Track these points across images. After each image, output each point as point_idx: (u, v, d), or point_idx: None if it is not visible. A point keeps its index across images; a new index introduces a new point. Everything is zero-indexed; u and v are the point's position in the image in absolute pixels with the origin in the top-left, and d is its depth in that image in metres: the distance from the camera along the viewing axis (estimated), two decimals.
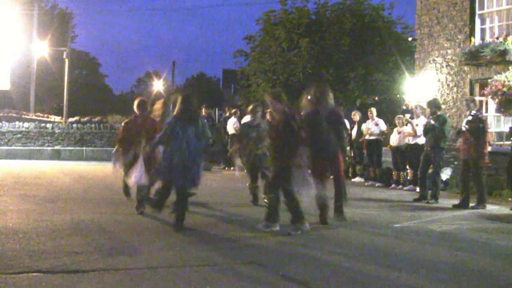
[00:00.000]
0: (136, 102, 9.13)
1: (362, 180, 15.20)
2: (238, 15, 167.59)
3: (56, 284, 4.80)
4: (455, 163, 13.95)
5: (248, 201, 9.95)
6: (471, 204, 10.39)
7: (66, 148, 22.03)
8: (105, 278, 5.00)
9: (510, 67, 12.77)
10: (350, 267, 5.74)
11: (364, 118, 15.49)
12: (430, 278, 5.42)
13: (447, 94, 14.79)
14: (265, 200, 7.64)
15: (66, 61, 27.51)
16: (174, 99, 8.55)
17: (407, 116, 13.62)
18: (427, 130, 11.14)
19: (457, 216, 9.47)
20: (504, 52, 12.81)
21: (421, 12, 15.70)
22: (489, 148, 11.40)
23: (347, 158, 14.44)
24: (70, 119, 24.30)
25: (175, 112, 7.80)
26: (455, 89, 14.62)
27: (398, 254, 6.41)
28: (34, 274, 5.05)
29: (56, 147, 21.94)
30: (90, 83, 51.68)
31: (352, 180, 15.06)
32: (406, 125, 13.31)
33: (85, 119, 23.80)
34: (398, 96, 21.85)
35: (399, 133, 13.65)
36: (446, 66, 14.87)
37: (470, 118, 10.43)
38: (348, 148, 14.55)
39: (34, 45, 30.05)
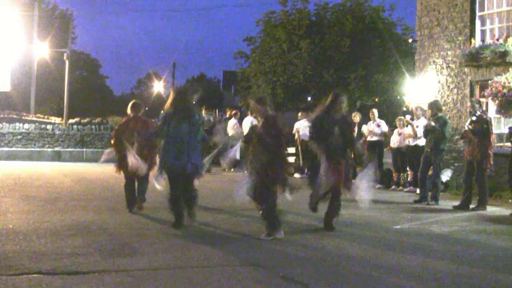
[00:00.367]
0: (130, 104, 9.30)
1: None
2: (238, 17, 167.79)
3: (56, 285, 4.79)
4: (455, 164, 13.96)
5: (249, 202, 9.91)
6: (471, 206, 10.40)
7: (66, 149, 22.04)
8: (106, 280, 5.00)
9: (510, 69, 12.76)
10: (350, 269, 5.74)
11: (365, 119, 15.49)
12: (430, 279, 5.42)
13: (447, 95, 14.79)
14: (260, 212, 7.36)
15: (67, 62, 27.50)
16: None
17: (408, 117, 13.63)
18: (428, 131, 11.14)
19: (458, 218, 9.47)
20: (504, 54, 12.81)
21: (422, 14, 15.71)
22: None
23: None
24: (71, 121, 24.29)
25: (167, 107, 7.81)
26: (455, 90, 14.63)
27: (398, 256, 6.41)
28: (34, 275, 5.05)
29: (57, 149, 21.94)
30: (90, 84, 51.64)
31: (352, 181, 15.02)
32: (407, 126, 13.31)
33: (86, 120, 23.80)
34: (398, 97, 21.89)
35: (399, 134, 13.65)
36: (447, 67, 14.88)
37: (474, 118, 10.42)
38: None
39: (34, 46, 30.05)
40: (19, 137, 21.81)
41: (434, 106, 11.24)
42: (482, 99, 13.16)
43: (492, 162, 10.63)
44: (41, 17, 35.20)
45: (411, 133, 13.02)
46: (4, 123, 22.41)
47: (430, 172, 11.24)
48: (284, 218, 7.57)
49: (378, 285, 5.21)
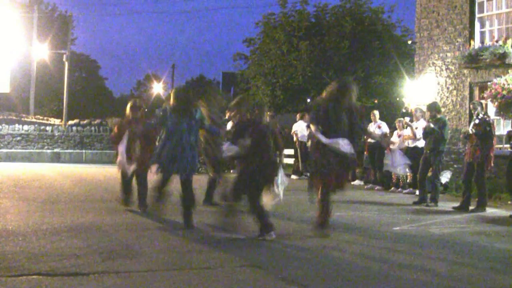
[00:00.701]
0: (129, 105, 9.32)
1: (361, 183, 15.21)
2: (237, 18, 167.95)
3: (56, 286, 4.79)
4: (455, 166, 13.97)
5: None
6: (470, 207, 10.40)
7: (65, 150, 22.05)
8: (105, 281, 5.00)
9: (509, 70, 12.79)
10: (350, 270, 5.74)
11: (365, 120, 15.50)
12: (430, 281, 5.43)
13: (447, 97, 14.80)
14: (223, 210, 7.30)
15: (66, 63, 27.54)
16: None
17: (407, 119, 13.64)
18: (427, 133, 11.15)
19: (457, 219, 9.48)
20: (504, 55, 12.84)
21: (421, 15, 15.73)
22: None
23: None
24: (70, 122, 24.32)
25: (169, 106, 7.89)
26: (454, 92, 14.64)
27: (398, 257, 6.41)
28: (33, 277, 5.05)
29: (56, 150, 21.96)
30: (90, 85, 51.62)
31: (352, 183, 15.06)
32: (406, 128, 13.32)
33: (85, 122, 23.83)
34: (397, 99, 21.89)
35: (399, 136, 13.67)
36: (446, 69, 14.90)
37: (477, 121, 10.41)
38: None
39: (34, 48, 30.09)
40: (18, 138, 21.83)
41: (433, 108, 11.24)
42: (482, 101, 13.19)
43: (492, 164, 10.64)
44: (41, 18, 35.24)
45: (410, 135, 13.03)
46: (3, 125, 22.44)
47: (429, 174, 11.25)
48: (278, 221, 7.56)
49: (378, 286, 5.21)
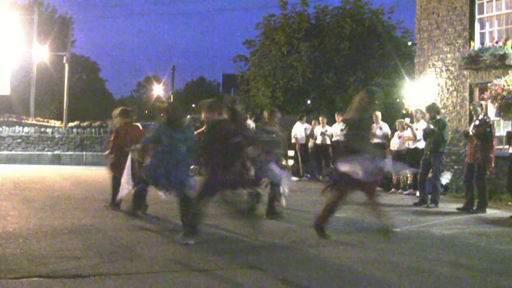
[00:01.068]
0: (118, 111, 9.54)
1: None
2: (238, 20, 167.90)
3: None
4: (455, 167, 13.96)
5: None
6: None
7: (66, 153, 22.05)
8: (106, 283, 5.00)
9: (509, 71, 12.79)
10: (350, 271, 5.74)
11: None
12: (430, 282, 5.43)
13: (447, 98, 14.80)
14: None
15: (66, 65, 27.58)
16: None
17: (407, 120, 13.63)
18: (427, 134, 11.15)
19: (457, 220, 9.47)
20: (504, 56, 12.83)
21: (421, 17, 15.73)
22: None
23: None
24: (70, 124, 24.36)
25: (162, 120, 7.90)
26: (454, 93, 14.64)
27: (398, 259, 6.41)
28: (34, 278, 5.05)
29: (56, 152, 21.95)
30: (90, 87, 51.66)
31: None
32: (406, 129, 13.32)
33: (85, 123, 23.86)
34: (398, 100, 21.87)
35: (399, 137, 13.67)
36: (446, 70, 14.89)
37: (477, 123, 10.40)
38: None
39: (34, 50, 30.13)
40: (18, 140, 21.83)
41: (432, 109, 11.24)
42: (482, 102, 13.18)
43: (493, 165, 10.64)
44: (41, 20, 35.26)
45: (410, 136, 13.03)
46: (3, 127, 22.44)
47: (429, 175, 11.25)
48: (280, 222, 7.56)
49: None
